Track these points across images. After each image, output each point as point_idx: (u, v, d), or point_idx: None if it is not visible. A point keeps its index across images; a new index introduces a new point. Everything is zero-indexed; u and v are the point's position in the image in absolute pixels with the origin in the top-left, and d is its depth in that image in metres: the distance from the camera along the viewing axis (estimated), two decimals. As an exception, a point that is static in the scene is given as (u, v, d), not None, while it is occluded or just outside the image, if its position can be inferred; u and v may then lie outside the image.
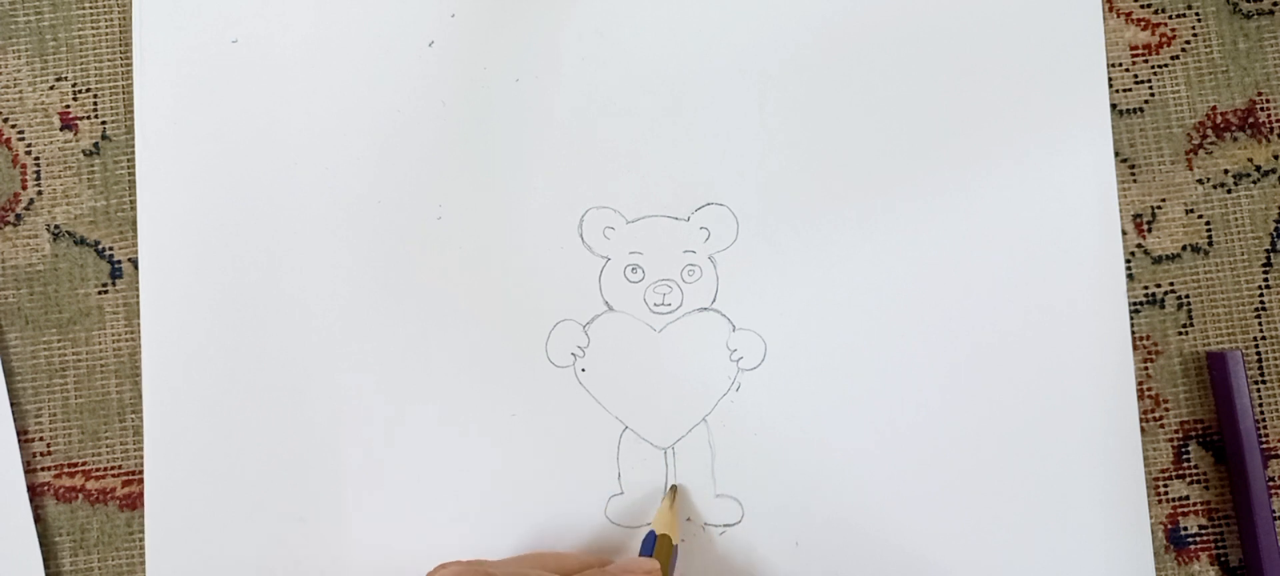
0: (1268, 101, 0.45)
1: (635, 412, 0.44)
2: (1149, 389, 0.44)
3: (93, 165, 0.45)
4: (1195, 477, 0.44)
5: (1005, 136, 0.44)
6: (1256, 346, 0.44)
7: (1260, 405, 0.44)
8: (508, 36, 0.45)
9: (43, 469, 0.44)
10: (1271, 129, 0.45)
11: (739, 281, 0.44)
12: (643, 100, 0.45)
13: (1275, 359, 0.44)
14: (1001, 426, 0.43)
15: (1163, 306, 0.45)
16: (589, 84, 0.45)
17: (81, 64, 0.45)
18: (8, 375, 0.44)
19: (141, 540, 0.43)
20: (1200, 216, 0.45)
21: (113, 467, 0.44)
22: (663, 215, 0.44)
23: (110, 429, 0.44)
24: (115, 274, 0.44)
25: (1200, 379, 0.44)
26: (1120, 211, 0.44)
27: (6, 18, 0.45)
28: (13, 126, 0.45)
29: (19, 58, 0.45)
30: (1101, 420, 0.43)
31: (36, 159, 0.45)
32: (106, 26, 0.45)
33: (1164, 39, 0.45)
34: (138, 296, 0.44)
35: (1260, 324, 0.44)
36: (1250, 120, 0.45)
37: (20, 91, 0.45)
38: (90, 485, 0.44)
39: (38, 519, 0.43)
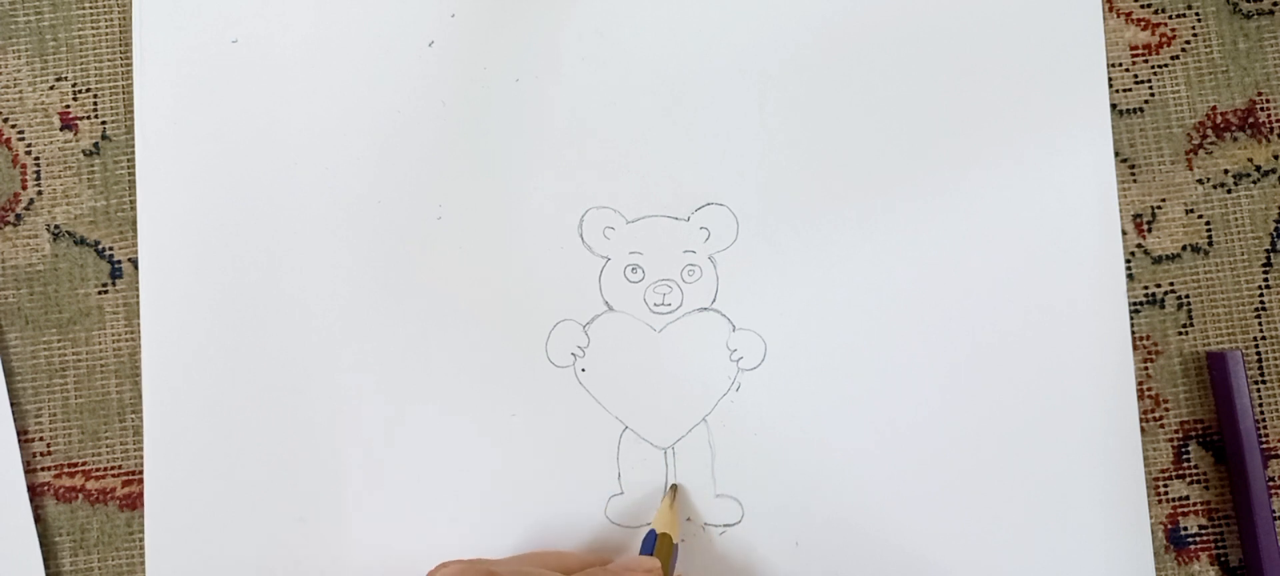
0: (1268, 101, 0.45)
1: (635, 412, 0.44)
2: (1149, 389, 0.44)
3: (93, 165, 0.45)
4: (1195, 477, 0.44)
5: (1005, 136, 0.44)
6: (1256, 346, 0.44)
7: (1260, 405, 0.44)
8: (508, 36, 0.45)
9: (43, 469, 0.44)
10: (1271, 129, 0.45)
11: (739, 281, 0.44)
12: (643, 100, 0.45)
13: (1275, 359, 0.44)
14: (1001, 426, 0.43)
15: (1163, 306, 0.45)
16: (589, 84, 0.45)
17: (81, 64, 0.45)
18: (8, 375, 0.44)
19: (141, 540, 0.43)
20: (1200, 216, 0.45)
21: (113, 467, 0.44)
22: (663, 215, 0.44)
23: (110, 429, 0.44)
24: (115, 274, 0.44)
25: (1200, 379, 0.44)
26: (1120, 211, 0.44)
27: (6, 18, 0.45)
28: (13, 126, 0.45)
29: (19, 58, 0.45)
30: (1101, 420, 0.43)
31: (36, 159, 0.45)
32: (106, 26, 0.45)
33: (1164, 39, 0.45)
34: (138, 296, 0.44)
35: (1260, 324, 0.44)
36: (1250, 120, 0.45)
37: (20, 91, 0.45)
38: (90, 485, 0.44)
39: (38, 519, 0.43)
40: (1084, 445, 0.43)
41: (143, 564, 0.43)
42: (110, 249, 0.44)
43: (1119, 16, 0.45)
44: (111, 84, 0.45)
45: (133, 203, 0.45)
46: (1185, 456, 0.44)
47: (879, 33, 0.45)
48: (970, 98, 0.44)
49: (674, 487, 0.43)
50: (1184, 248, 0.45)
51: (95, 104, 0.45)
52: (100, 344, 0.44)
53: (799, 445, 0.43)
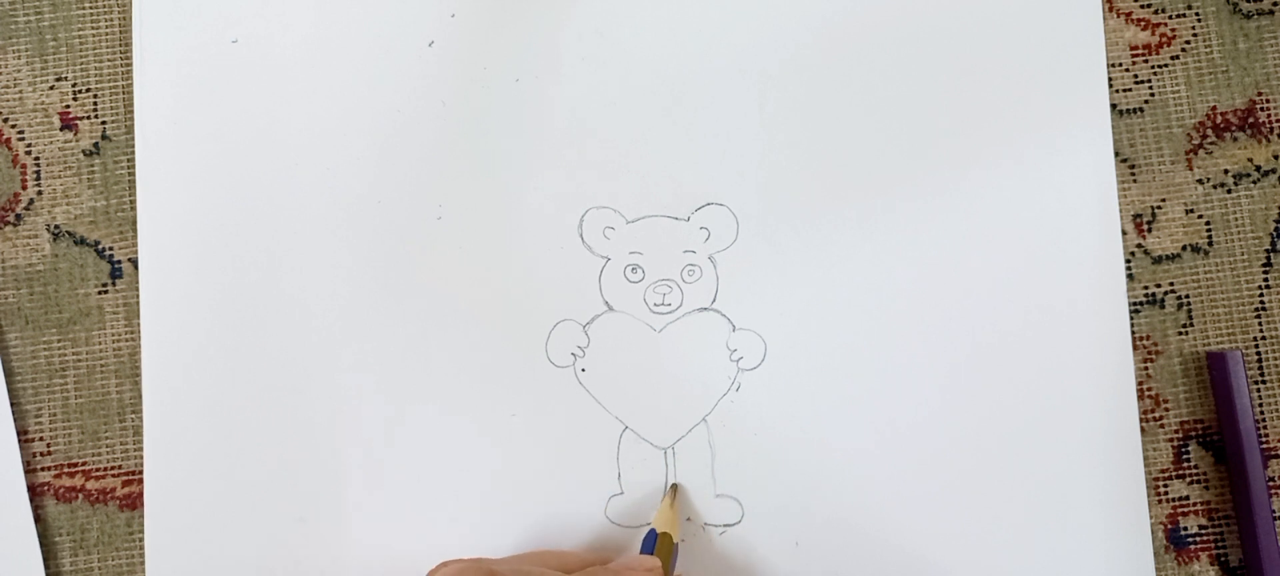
0: (1268, 101, 0.45)
1: (635, 412, 0.44)
2: (1149, 389, 0.44)
3: (93, 165, 0.45)
4: (1195, 477, 0.44)
5: (1005, 136, 0.44)
6: (1256, 346, 0.44)
7: (1260, 405, 0.44)
8: (508, 36, 0.45)
9: (43, 469, 0.44)
10: (1271, 129, 0.45)
11: (739, 281, 0.44)
12: (643, 100, 0.45)
13: (1275, 359, 0.44)
14: (1001, 426, 0.43)
15: (1163, 306, 0.45)
16: (589, 84, 0.45)
17: (81, 64, 0.45)
18: (8, 375, 0.44)
19: (141, 540, 0.43)
20: (1200, 216, 0.45)
21: (113, 467, 0.44)
22: (663, 215, 0.44)
23: (110, 429, 0.44)
24: (115, 274, 0.44)
25: (1200, 379, 0.44)
26: (1120, 211, 0.44)
27: (6, 18, 0.45)
28: (13, 126, 0.45)
29: (19, 58, 0.45)
30: (1101, 420, 0.43)
31: (36, 159, 0.45)
32: (106, 26, 0.45)
33: (1164, 39, 0.45)
34: (138, 296, 0.44)
35: (1260, 324, 0.44)
36: (1250, 120, 0.45)
37: (20, 91, 0.45)
38: (90, 485, 0.44)
39: (38, 519, 0.43)
40: (1084, 445, 0.43)
41: (143, 564, 0.43)
42: (110, 249, 0.44)
43: (1119, 16, 0.45)
44: (111, 84, 0.45)
45: (133, 203, 0.45)
46: (1185, 456, 0.44)
47: (879, 33, 0.45)
48: (970, 98, 0.44)
49: (674, 487, 0.43)
50: (1184, 248, 0.45)
51: (95, 104, 0.45)
52: (100, 344, 0.44)
53: (799, 445, 0.43)
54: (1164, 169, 0.45)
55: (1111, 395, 0.43)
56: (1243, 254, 0.45)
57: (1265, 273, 0.45)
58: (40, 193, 0.45)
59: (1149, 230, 0.45)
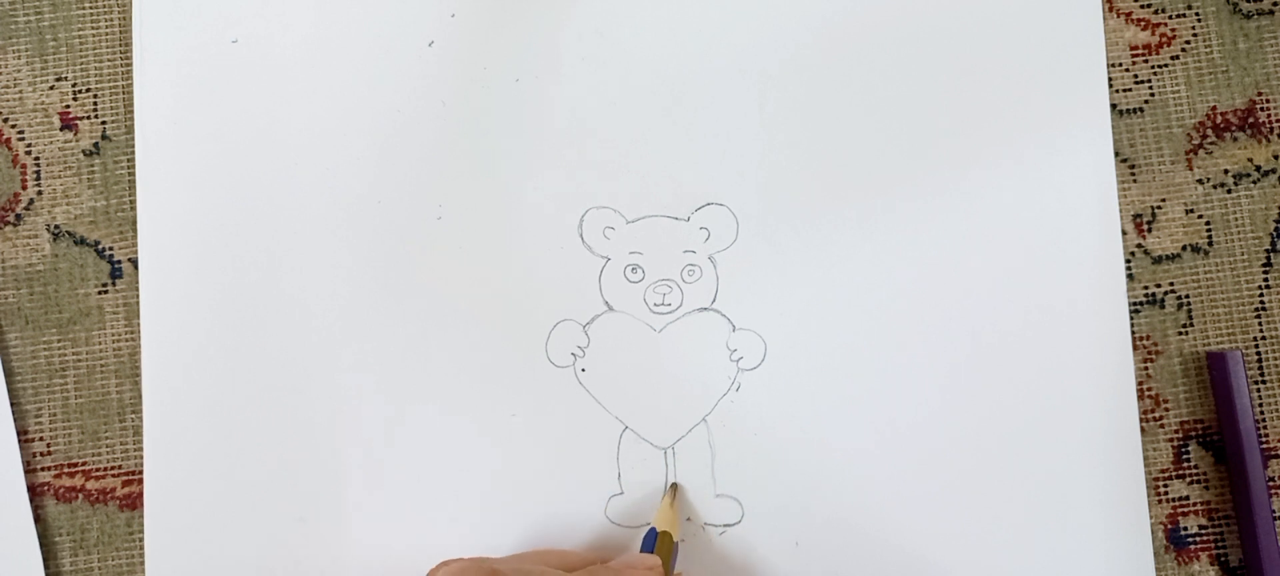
0: (1268, 101, 0.45)
1: (635, 412, 0.44)
2: (1149, 389, 0.44)
3: (93, 165, 0.45)
4: (1195, 477, 0.44)
5: (1005, 136, 0.44)
6: (1256, 346, 0.44)
7: (1260, 405, 0.44)
8: (508, 36, 0.45)
9: (43, 469, 0.44)
10: (1271, 129, 0.45)
11: (739, 281, 0.44)
12: (643, 100, 0.45)
13: (1275, 359, 0.44)
14: (1001, 426, 0.43)
15: (1163, 306, 0.45)
16: (589, 84, 0.45)
17: (81, 64, 0.45)
18: (8, 375, 0.44)
19: (141, 540, 0.43)
20: (1200, 216, 0.45)
21: (113, 467, 0.44)
22: (663, 215, 0.44)
23: (110, 429, 0.44)
24: (115, 274, 0.44)
25: (1200, 379, 0.44)
26: (1120, 211, 0.44)
27: (6, 18, 0.45)
28: (13, 126, 0.45)
29: (19, 58, 0.45)
30: (1101, 420, 0.43)
31: (36, 159, 0.45)
32: (106, 26, 0.45)
33: (1164, 39, 0.45)
34: (138, 296, 0.44)
35: (1260, 324, 0.44)
36: (1250, 120, 0.45)
37: (20, 91, 0.45)
38: (90, 485, 0.44)
39: (38, 519, 0.43)
40: (1084, 445, 0.43)
41: (143, 564, 0.43)
42: (110, 249, 0.44)
43: (1119, 16, 0.45)
44: (111, 84, 0.45)
45: (133, 203, 0.45)
46: (1185, 456, 0.44)
47: (879, 33, 0.45)
48: (970, 98, 0.44)
49: (674, 486, 0.43)
50: (1184, 248, 0.45)
51: (95, 104, 0.45)
52: (100, 344, 0.44)
53: (799, 445, 0.43)
54: (1164, 169, 0.45)
55: (1111, 395, 0.43)
56: (1243, 254, 0.45)
57: (1265, 273, 0.45)
58: (40, 193, 0.45)
59: (1149, 230, 0.45)
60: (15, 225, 0.45)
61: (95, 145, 0.45)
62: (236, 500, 0.43)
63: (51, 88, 0.45)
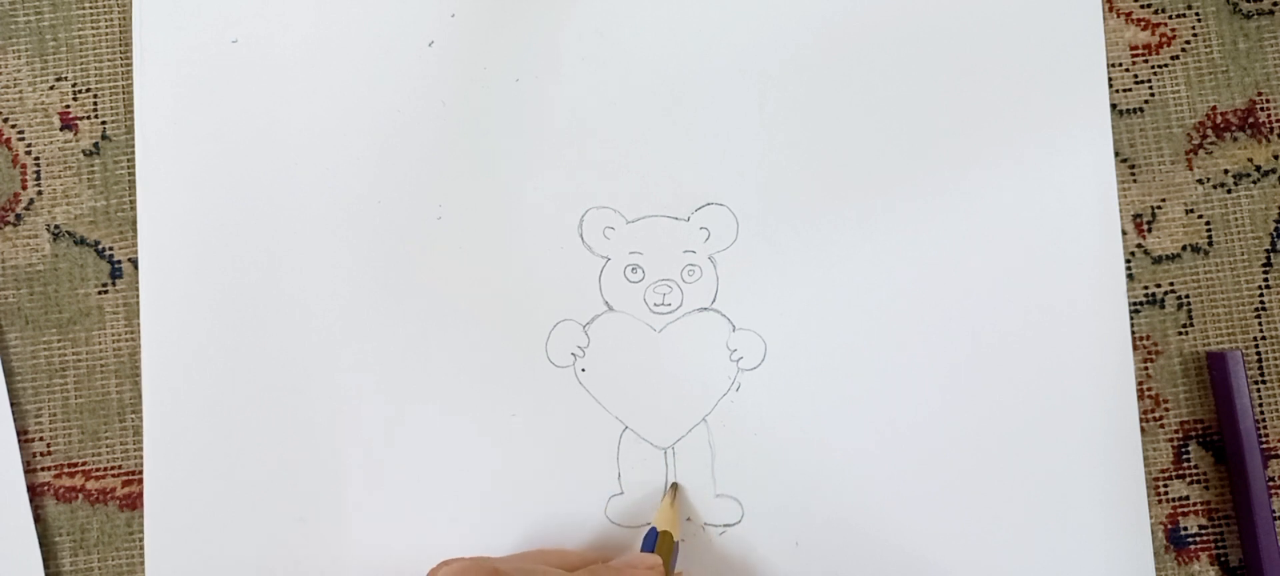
0: (1268, 101, 0.45)
1: (635, 412, 0.44)
2: (1149, 389, 0.44)
3: (93, 165, 0.45)
4: (1195, 477, 0.44)
5: (1005, 136, 0.44)
6: (1256, 346, 0.44)
7: (1260, 405, 0.44)
8: (508, 36, 0.45)
9: (43, 469, 0.44)
10: (1271, 129, 0.45)
11: (739, 281, 0.44)
12: (643, 100, 0.45)
13: (1275, 359, 0.44)
14: (1001, 426, 0.43)
15: (1163, 306, 0.45)
16: (589, 84, 0.45)
17: (81, 64, 0.45)
18: (8, 375, 0.44)
19: (141, 540, 0.43)
20: (1200, 216, 0.45)
21: (113, 467, 0.44)
22: (663, 215, 0.44)
23: (110, 429, 0.44)
24: (115, 274, 0.44)
25: (1200, 379, 0.44)
26: (1120, 211, 0.44)
27: (6, 18, 0.45)
28: (13, 126, 0.45)
29: (19, 58, 0.45)
30: (1101, 420, 0.43)
31: (36, 159, 0.45)
32: (106, 26, 0.45)
33: (1164, 39, 0.45)
34: (138, 296, 0.44)
35: (1260, 324, 0.44)
36: (1250, 120, 0.45)
37: (20, 91, 0.45)
38: (90, 485, 0.44)
39: (38, 519, 0.43)
40: (1084, 445, 0.43)
41: (143, 564, 0.43)
42: (110, 249, 0.44)
43: (1119, 16, 0.45)
44: (111, 84, 0.45)
45: (133, 203, 0.45)
46: (1185, 456, 0.44)
47: (879, 33, 0.45)
48: (970, 98, 0.44)
49: (674, 486, 0.43)
50: (1184, 248, 0.45)
51: (95, 104, 0.45)
52: (100, 344, 0.44)
53: (799, 445, 0.43)
54: (1164, 169, 0.45)
55: (1111, 395, 0.43)
56: (1243, 254, 0.45)
57: (1265, 273, 0.45)
58: (40, 193, 0.45)
59: (1149, 230, 0.45)
60: (15, 225, 0.45)
61: (95, 145, 0.45)
62: (236, 500, 0.43)
63: (51, 88, 0.45)
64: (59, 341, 0.44)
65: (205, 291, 0.44)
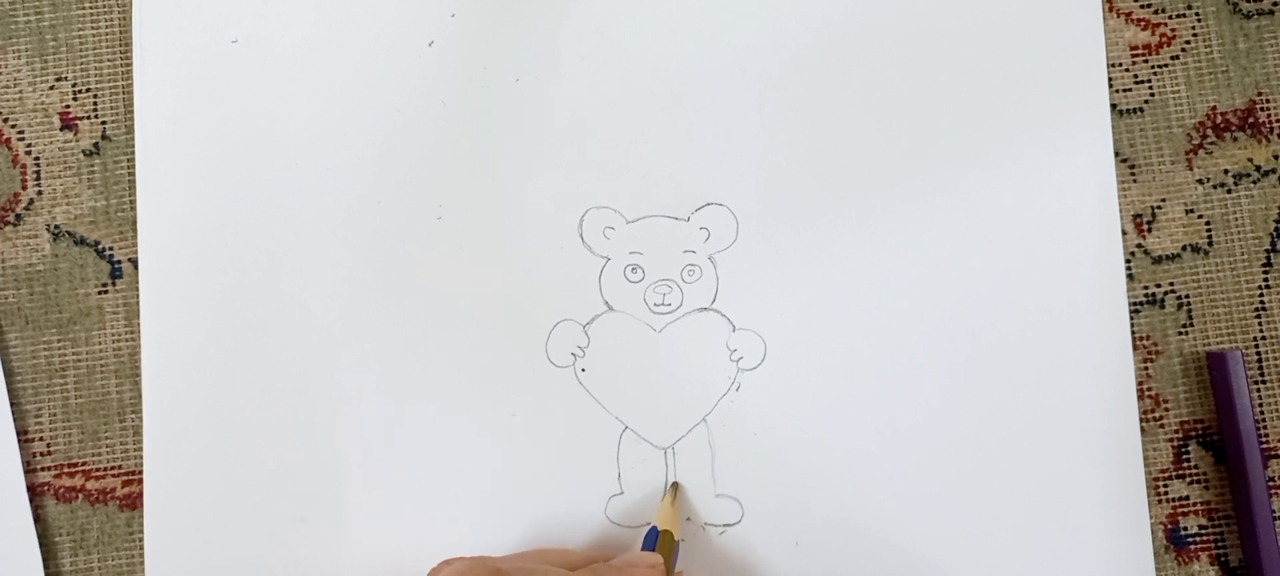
0: (1268, 101, 0.45)
1: (635, 412, 0.44)
2: (1149, 389, 0.44)
3: (93, 165, 0.45)
4: (1195, 477, 0.44)
5: (1005, 136, 0.44)
6: (1256, 346, 0.44)
7: (1260, 405, 0.44)
8: (508, 36, 0.45)
9: (43, 469, 0.44)
10: (1271, 129, 0.45)
11: (739, 281, 0.44)
12: (643, 100, 0.45)
13: (1275, 359, 0.44)
14: (1001, 426, 0.43)
15: (1163, 306, 0.45)
16: (589, 84, 0.45)
17: (81, 64, 0.45)
18: (8, 375, 0.44)
19: (141, 540, 0.43)
20: (1200, 216, 0.45)
21: (113, 467, 0.44)
22: (663, 215, 0.44)
23: (110, 429, 0.44)
24: (115, 274, 0.44)
25: (1200, 379, 0.44)
26: (1120, 211, 0.44)
27: (6, 18, 0.45)
28: (13, 126, 0.45)
29: (19, 58, 0.45)
30: (1101, 420, 0.43)
31: (36, 159, 0.45)
32: (106, 26, 0.45)
33: (1164, 39, 0.45)
34: (138, 296, 0.44)
35: (1260, 324, 0.45)
36: (1250, 120, 0.45)
37: (20, 91, 0.45)
38: (90, 485, 0.44)
39: (38, 519, 0.43)
40: (1084, 445, 0.43)
41: (143, 564, 0.43)
42: (110, 249, 0.44)
43: (1119, 16, 0.45)
44: (111, 84, 0.45)
45: (133, 203, 0.45)
46: (1185, 456, 0.44)
47: (879, 33, 0.45)
48: (970, 98, 0.44)
49: (675, 485, 0.43)
50: (1184, 248, 0.45)
51: (95, 104, 0.45)
52: (100, 344, 0.44)
53: (799, 445, 0.43)
54: (1164, 169, 0.45)
55: (1111, 395, 0.43)
56: (1243, 254, 0.45)
57: (1265, 273, 0.45)
58: (40, 193, 0.45)
59: (1149, 230, 0.45)
60: (15, 225, 0.45)
61: (95, 145, 0.45)
62: (236, 500, 0.43)
63: (51, 88, 0.45)
64: (59, 341, 0.44)
65: (205, 291, 0.44)
